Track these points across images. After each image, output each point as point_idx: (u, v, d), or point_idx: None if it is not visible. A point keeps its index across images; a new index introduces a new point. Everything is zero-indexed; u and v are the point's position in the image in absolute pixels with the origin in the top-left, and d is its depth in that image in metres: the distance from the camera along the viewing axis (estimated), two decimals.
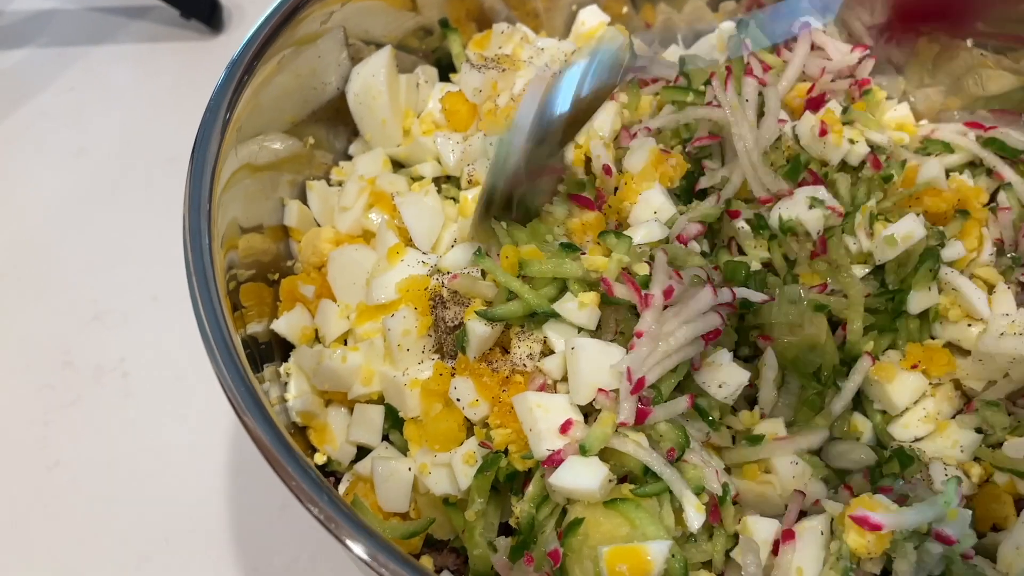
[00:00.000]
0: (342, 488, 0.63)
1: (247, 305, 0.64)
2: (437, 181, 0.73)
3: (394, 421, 0.61)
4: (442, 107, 0.73)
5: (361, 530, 0.48)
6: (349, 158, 0.78)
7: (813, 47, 0.82)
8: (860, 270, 0.69)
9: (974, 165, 0.79)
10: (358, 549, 0.47)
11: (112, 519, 0.78)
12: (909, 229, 0.66)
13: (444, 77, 0.82)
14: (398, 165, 0.76)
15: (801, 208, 0.68)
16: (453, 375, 0.59)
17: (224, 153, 0.60)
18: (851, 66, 0.79)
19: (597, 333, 0.59)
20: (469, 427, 0.59)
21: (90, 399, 0.85)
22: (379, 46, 0.77)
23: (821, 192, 0.69)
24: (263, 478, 0.79)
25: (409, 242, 0.66)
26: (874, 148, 0.74)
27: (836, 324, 0.67)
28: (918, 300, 0.66)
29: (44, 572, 0.76)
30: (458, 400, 0.58)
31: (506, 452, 0.57)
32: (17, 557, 0.77)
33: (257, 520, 0.78)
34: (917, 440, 0.66)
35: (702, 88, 0.72)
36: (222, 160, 0.60)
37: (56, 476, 0.81)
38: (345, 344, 0.66)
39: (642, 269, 0.60)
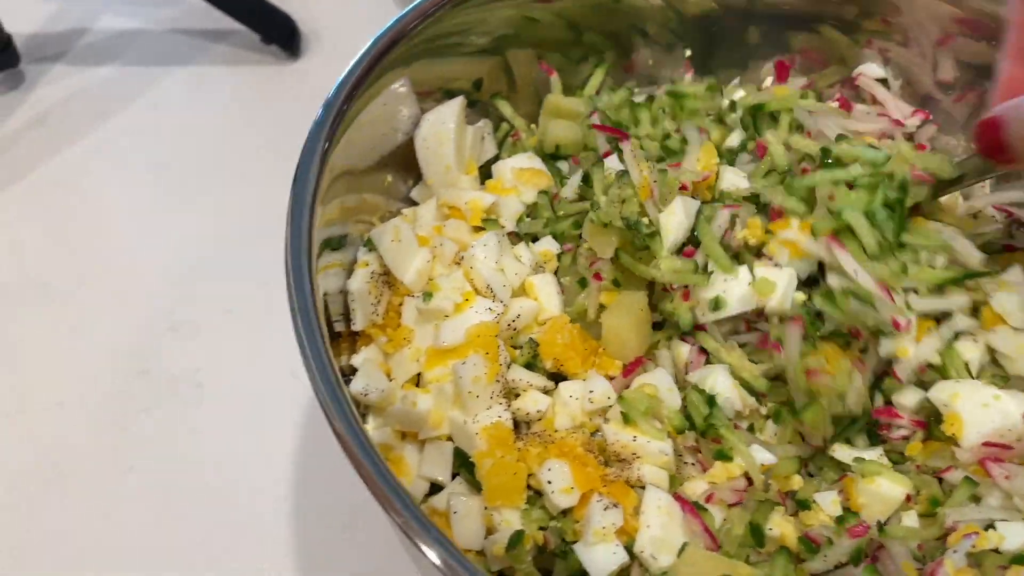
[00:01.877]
0: None
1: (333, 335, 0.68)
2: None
3: (463, 461, 0.64)
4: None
5: (439, 539, 0.49)
6: (411, 202, 0.82)
7: (873, 101, 0.85)
8: None
9: None
10: (432, 555, 0.49)
11: (181, 525, 0.82)
12: None
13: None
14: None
15: None
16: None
17: (321, 193, 0.63)
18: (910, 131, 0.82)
19: None
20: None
21: (165, 408, 0.90)
22: (446, 96, 0.81)
23: None
24: (329, 494, 0.83)
25: (479, 291, 0.70)
26: None
27: None
28: None
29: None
30: (549, 483, 0.60)
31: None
32: (90, 557, 0.81)
33: (321, 535, 0.82)
34: None
35: None
36: (319, 200, 0.63)
37: (130, 482, 0.85)
38: (417, 385, 0.69)
39: None
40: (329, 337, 0.57)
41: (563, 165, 0.83)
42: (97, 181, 1.07)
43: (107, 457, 0.86)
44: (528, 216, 0.78)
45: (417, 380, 0.69)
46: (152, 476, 0.85)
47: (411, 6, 0.74)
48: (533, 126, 0.87)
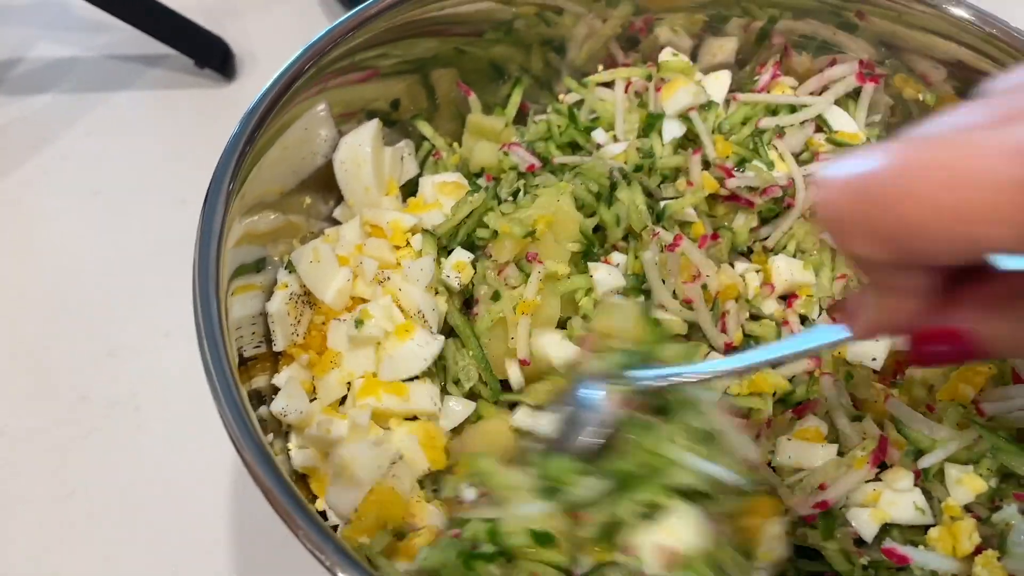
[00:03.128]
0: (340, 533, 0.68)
1: (252, 357, 0.70)
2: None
3: None
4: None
5: (351, 562, 0.52)
6: (334, 222, 0.84)
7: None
8: None
9: None
10: None
11: (124, 548, 0.83)
12: None
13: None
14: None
15: None
16: None
17: (231, 218, 0.65)
18: None
19: None
20: None
21: (104, 432, 0.90)
22: (366, 117, 0.83)
23: None
24: (267, 512, 0.85)
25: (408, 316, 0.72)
26: None
27: None
28: None
29: None
30: None
31: None
32: None
33: (260, 551, 0.83)
34: None
35: None
36: (228, 224, 0.65)
37: (71, 507, 0.86)
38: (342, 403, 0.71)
39: None
40: (240, 360, 0.59)
41: (484, 182, 0.85)
42: (33, 208, 1.08)
43: (47, 483, 0.87)
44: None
45: (342, 400, 0.71)
46: (93, 501, 0.86)
47: (328, 28, 0.76)
48: (455, 144, 0.89)
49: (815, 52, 0.87)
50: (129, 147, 1.14)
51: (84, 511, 0.86)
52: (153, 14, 1.14)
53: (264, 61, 1.21)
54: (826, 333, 0.51)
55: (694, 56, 0.91)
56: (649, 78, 0.87)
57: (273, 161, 0.73)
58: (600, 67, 0.92)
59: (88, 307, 0.99)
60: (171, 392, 0.93)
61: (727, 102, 0.87)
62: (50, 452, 0.89)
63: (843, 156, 0.41)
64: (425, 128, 0.87)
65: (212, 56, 1.18)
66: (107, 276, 1.02)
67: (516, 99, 0.89)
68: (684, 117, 0.83)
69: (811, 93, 0.87)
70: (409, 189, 0.85)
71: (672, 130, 0.83)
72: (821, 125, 0.84)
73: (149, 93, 1.19)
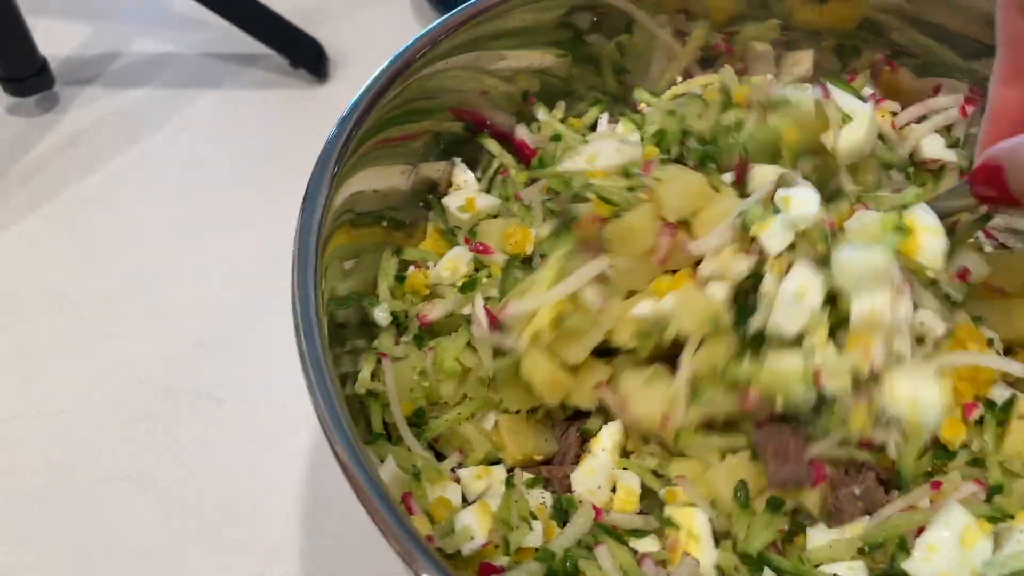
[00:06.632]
0: None
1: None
2: None
3: None
4: None
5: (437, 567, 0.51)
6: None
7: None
8: None
9: None
10: None
11: (204, 541, 0.83)
12: None
13: None
14: None
15: None
16: None
17: (331, 213, 0.65)
18: None
19: None
20: None
21: (187, 424, 0.91)
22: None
23: None
24: (343, 512, 0.84)
25: None
26: None
27: None
28: None
29: None
30: None
31: None
32: (109, 569, 0.82)
33: (335, 552, 0.82)
34: None
35: None
36: (328, 220, 0.64)
37: (152, 497, 0.86)
38: None
39: None
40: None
41: None
42: (126, 201, 1.10)
43: (128, 471, 0.87)
44: None
45: None
46: (174, 492, 0.86)
47: (426, 29, 0.75)
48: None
49: (915, 69, 0.85)
50: (222, 144, 1.15)
51: (164, 502, 0.86)
52: (253, 13, 1.15)
53: (356, 63, 1.22)
54: None
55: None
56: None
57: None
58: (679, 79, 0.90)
59: (175, 298, 1.00)
60: (255, 386, 0.93)
61: None
62: (133, 441, 0.90)
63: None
64: (491, 145, 0.84)
65: (306, 57, 1.18)
66: (196, 270, 1.02)
67: (592, 116, 0.88)
68: None
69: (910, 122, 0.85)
70: None
71: None
72: None
73: (243, 92, 1.20)
